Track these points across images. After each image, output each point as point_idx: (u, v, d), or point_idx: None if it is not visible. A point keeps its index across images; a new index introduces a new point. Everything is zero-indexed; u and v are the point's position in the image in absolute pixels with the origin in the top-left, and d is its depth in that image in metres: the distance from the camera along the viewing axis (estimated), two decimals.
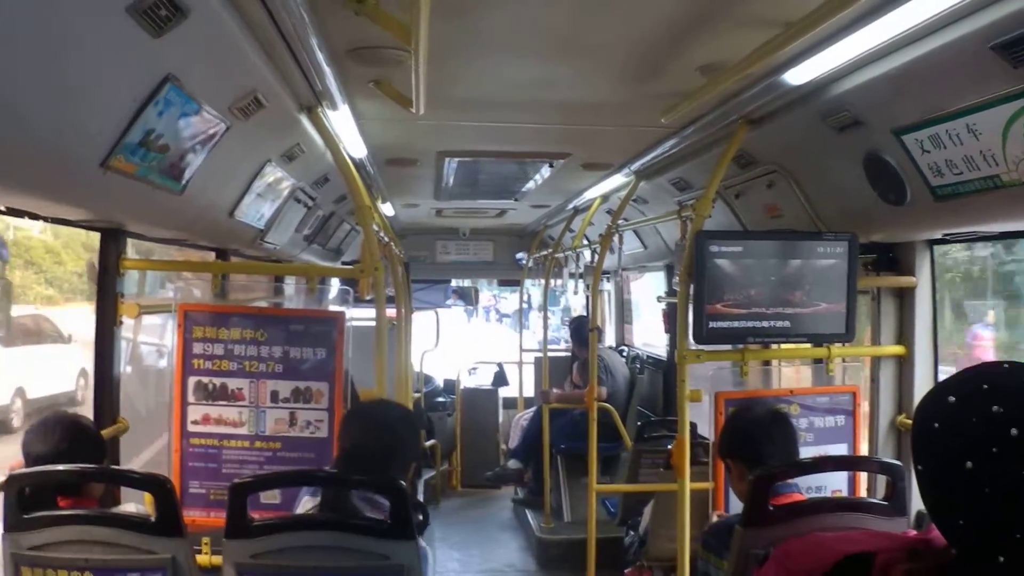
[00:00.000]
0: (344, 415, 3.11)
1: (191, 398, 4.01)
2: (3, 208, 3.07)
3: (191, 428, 4.01)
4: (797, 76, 3.27)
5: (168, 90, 2.80)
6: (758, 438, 3.32)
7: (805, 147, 4.01)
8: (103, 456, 3.19)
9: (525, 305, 11.83)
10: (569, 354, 9.64)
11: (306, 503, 3.01)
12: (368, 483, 2.78)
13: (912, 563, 1.56)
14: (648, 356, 9.18)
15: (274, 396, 4.01)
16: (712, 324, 3.99)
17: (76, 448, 2.99)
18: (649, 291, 9.63)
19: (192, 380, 4.01)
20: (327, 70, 3.39)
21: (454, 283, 13.31)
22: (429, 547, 2.89)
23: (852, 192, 3.86)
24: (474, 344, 20.84)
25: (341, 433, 3.11)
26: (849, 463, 4.05)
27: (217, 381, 4.01)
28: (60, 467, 2.80)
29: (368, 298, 4.18)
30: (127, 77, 2.63)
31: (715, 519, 3.88)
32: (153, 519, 2.66)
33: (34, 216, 3.34)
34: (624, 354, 9.48)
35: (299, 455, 3.95)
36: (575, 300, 12.51)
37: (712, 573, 3.33)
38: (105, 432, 3.76)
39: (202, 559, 4.03)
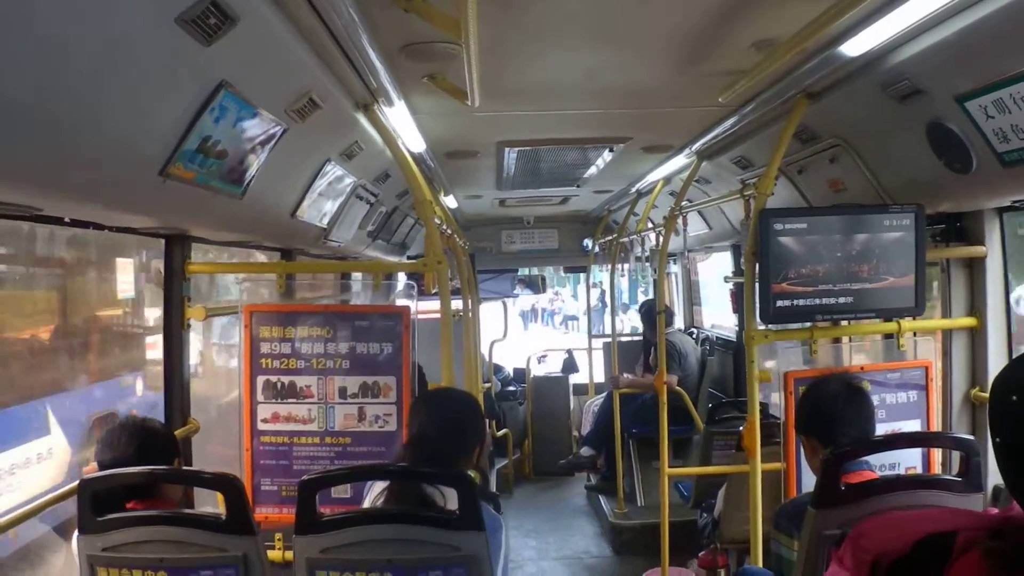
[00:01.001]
0: (411, 404, 3.15)
1: (260, 397, 4.07)
2: (68, 220, 3.14)
3: (261, 427, 4.07)
4: (854, 47, 3.21)
5: (223, 96, 2.84)
6: (832, 414, 3.25)
7: (867, 119, 3.94)
8: (176, 457, 3.24)
9: (597, 302, 11.79)
10: (640, 338, 9.58)
11: (375, 492, 3.04)
12: (436, 476, 2.80)
13: (995, 541, 1.52)
14: (718, 337, 9.11)
15: (342, 392, 4.06)
16: (779, 303, 3.94)
17: (145, 452, 3.02)
18: (719, 272, 9.56)
19: (261, 379, 4.07)
20: (380, 68, 3.41)
21: (521, 272, 13.33)
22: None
23: (917, 162, 3.79)
24: (540, 334, 20.88)
25: (409, 421, 3.16)
26: (921, 439, 3.97)
27: (285, 379, 4.06)
28: (130, 469, 2.84)
29: (434, 291, 4.20)
30: (181, 86, 2.67)
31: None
32: (224, 518, 2.70)
33: (99, 226, 3.41)
34: (694, 336, 9.42)
35: (368, 449, 3.99)
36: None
37: (784, 555, 3.28)
38: (176, 433, 3.84)
39: (274, 555, 4.09)
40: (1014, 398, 1.41)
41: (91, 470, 3.04)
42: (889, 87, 3.48)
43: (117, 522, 2.68)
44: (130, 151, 2.65)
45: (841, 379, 3.45)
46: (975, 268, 4.25)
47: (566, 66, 3.87)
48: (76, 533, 2.71)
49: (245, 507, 2.70)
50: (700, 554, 5.43)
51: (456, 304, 6.59)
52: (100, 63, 2.22)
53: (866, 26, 2.97)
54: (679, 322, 10.14)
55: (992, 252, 4.15)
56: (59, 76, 2.11)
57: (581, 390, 10.98)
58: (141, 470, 2.87)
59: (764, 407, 5.12)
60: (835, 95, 3.91)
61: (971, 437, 3.19)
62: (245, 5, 2.51)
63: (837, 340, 4.42)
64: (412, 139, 4.87)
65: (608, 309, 11.29)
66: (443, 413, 3.07)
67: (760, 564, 4.00)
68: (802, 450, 3.52)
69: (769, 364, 4.33)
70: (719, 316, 9.87)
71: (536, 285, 14.00)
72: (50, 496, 3.18)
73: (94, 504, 2.65)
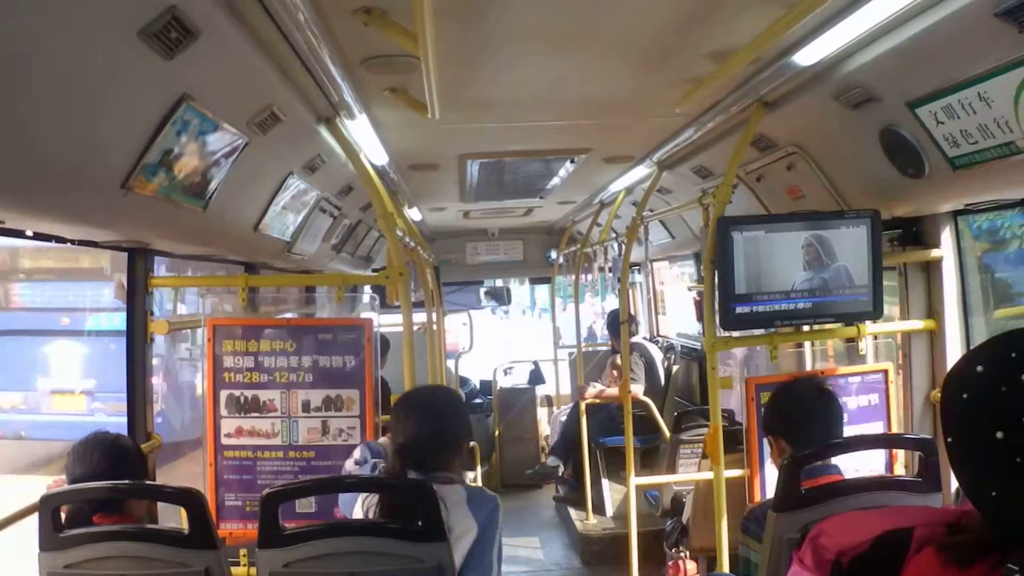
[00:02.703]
0: (392, 412, 3.13)
1: (223, 411, 4.06)
2: (30, 233, 3.13)
3: (225, 441, 4.06)
4: (807, 56, 3.27)
5: (185, 109, 2.85)
6: (800, 416, 3.29)
7: (822, 126, 4.00)
8: (145, 475, 3.22)
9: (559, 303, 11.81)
10: (608, 348, 9.61)
11: (366, 501, 3.02)
12: (397, 486, 2.80)
13: (952, 536, 1.55)
14: (682, 346, 9.16)
15: (306, 406, 4.06)
16: (738, 309, 3.98)
17: (116, 468, 3.01)
18: (684, 280, 9.62)
19: (224, 393, 4.06)
20: (341, 81, 3.42)
21: (486, 283, 13.34)
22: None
23: (872, 168, 3.85)
24: (509, 342, 20.84)
25: (393, 430, 3.10)
26: (879, 441, 4.02)
27: (248, 393, 4.05)
28: (91, 484, 2.83)
29: (396, 304, 4.21)
30: (142, 99, 2.68)
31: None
32: (187, 532, 2.69)
33: (61, 239, 3.39)
34: (659, 344, 9.47)
35: (332, 463, 3.98)
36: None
37: (753, 559, 3.29)
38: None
39: (239, 571, 4.07)
40: (964, 396, 1.43)
41: (57, 485, 3.02)
42: (842, 95, 3.54)
43: (78, 538, 2.67)
44: (92, 164, 2.66)
45: (810, 382, 3.49)
46: (932, 271, 4.31)
47: (526, 78, 3.90)
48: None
49: (208, 521, 2.69)
50: (668, 563, 5.45)
51: (421, 317, 6.60)
52: (62, 76, 2.23)
53: (818, 35, 3.02)
54: (643, 331, 10.19)
55: (947, 255, 4.22)
56: (20, 88, 2.11)
57: (548, 401, 10.99)
58: (102, 485, 2.85)
59: (731, 414, 5.17)
60: (790, 103, 3.96)
61: (928, 437, 3.24)
62: (207, 19, 2.52)
63: (799, 345, 4.46)
64: (374, 152, 4.88)
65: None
66: (426, 414, 3.05)
67: (727, 570, 4.02)
68: (768, 453, 3.55)
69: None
70: (685, 324, 9.93)
71: (501, 297, 14.00)
72: (12, 513, 3.14)
73: (55, 520, 2.64)
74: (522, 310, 38.94)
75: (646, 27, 3.19)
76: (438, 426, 3.03)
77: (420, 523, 2.64)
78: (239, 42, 2.84)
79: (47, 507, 2.64)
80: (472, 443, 9.66)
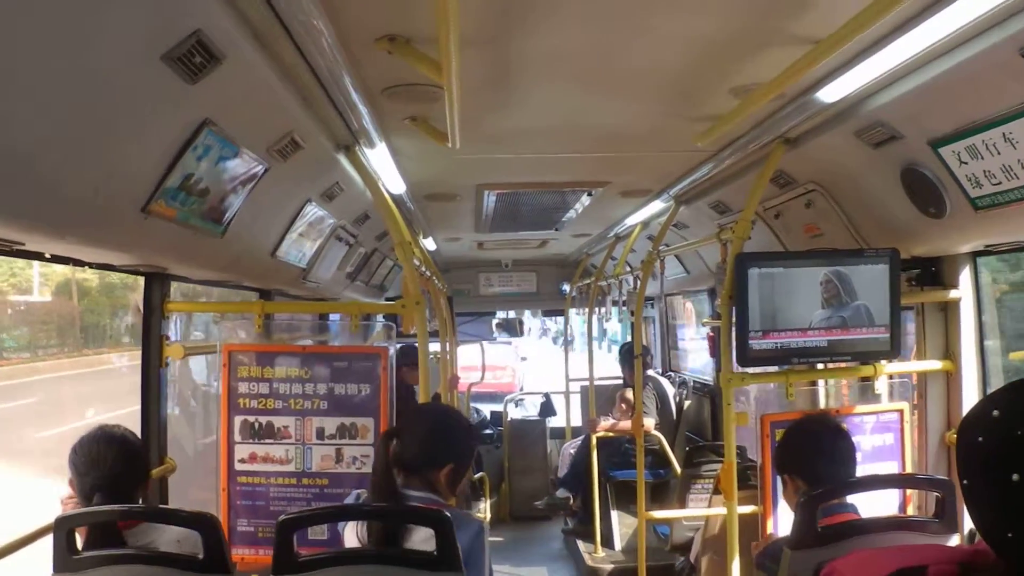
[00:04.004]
0: (386, 432, 3.12)
1: (238, 437, 4.06)
2: (48, 256, 3.13)
3: (238, 467, 4.05)
4: (830, 94, 3.27)
5: (206, 134, 2.86)
6: (814, 454, 3.27)
7: (842, 164, 3.99)
8: (148, 465, 3.19)
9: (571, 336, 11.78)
10: (620, 381, 9.58)
11: (351, 529, 3.00)
12: (413, 516, 2.78)
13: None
14: (695, 381, 9.13)
15: (320, 433, 4.05)
16: (755, 346, 3.96)
17: (131, 469, 3.00)
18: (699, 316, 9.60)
19: (238, 419, 4.06)
20: (362, 109, 3.44)
21: (499, 315, 13.34)
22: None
23: (892, 207, 3.84)
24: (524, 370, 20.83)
25: (395, 449, 3.05)
26: (896, 481, 3.99)
27: (263, 420, 4.05)
28: (106, 508, 2.81)
29: (411, 333, 4.20)
30: (164, 123, 2.69)
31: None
32: (200, 556, 2.67)
33: (78, 263, 3.39)
34: (672, 379, 9.44)
35: (345, 490, 3.95)
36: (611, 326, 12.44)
37: None
38: (154, 472, 3.81)
39: None
40: (980, 439, 1.43)
41: (68, 496, 3.00)
42: (864, 133, 3.53)
43: (93, 560, 2.64)
44: (112, 187, 2.66)
45: (823, 419, 3.47)
46: (950, 312, 4.29)
47: (546, 110, 3.90)
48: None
49: (222, 546, 2.67)
50: None
51: (434, 347, 6.60)
52: (85, 99, 2.24)
53: (842, 73, 3.03)
54: (657, 365, 10.16)
55: (966, 296, 4.19)
56: (44, 111, 2.12)
57: (558, 433, 10.95)
58: (120, 508, 2.83)
59: (743, 450, 5.14)
60: (812, 141, 3.96)
61: (946, 478, 3.21)
62: (231, 44, 2.53)
63: (814, 383, 4.43)
64: (392, 181, 4.89)
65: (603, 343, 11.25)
66: (422, 423, 3.05)
67: None
68: (780, 491, 3.53)
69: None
70: (699, 361, 9.89)
71: (514, 328, 13.99)
72: (25, 535, 3.12)
73: (69, 542, 2.62)
74: (539, 335, 39.07)
75: (667, 62, 3.19)
76: (432, 434, 3.00)
77: (436, 552, 2.62)
78: (262, 68, 2.85)
79: (61, 529, 2.63)
80: (481, 473, 9.64)
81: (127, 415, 4.16)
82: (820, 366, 4.21)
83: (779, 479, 3.62)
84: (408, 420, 3.10)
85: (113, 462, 2.96)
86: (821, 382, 4.60)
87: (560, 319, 11.96)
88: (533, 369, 23.20)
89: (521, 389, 10.86)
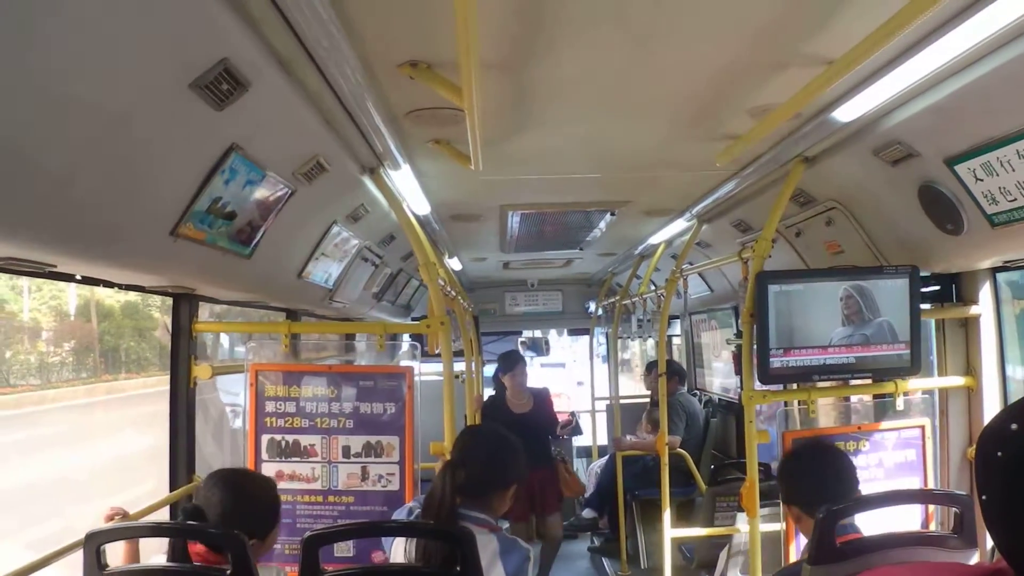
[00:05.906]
0: (458, 435, 3.17)
1: (264, 455, 4.11)
2: (80, 277, 3.20)
3: None
4: (846, 113, 3.31)
5: (233, 159, 2.92)
6: (805, 479, 3.24)
7: (861, 182, 4.01)
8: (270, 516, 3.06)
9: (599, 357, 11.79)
10: (647, 399, 9.57)
11: (400, 544, 3.03)
12: (435, 532, 2.81)
13: None
14: (720, 399, 9.11)
15: (346, 451, 4.10)
16: (776, 364, 3.98)
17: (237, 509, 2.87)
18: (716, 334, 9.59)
19: (265, 438, 4.12)
20: (386, 132, 3.50)
21: (525, 334, 13.36)
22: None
23: (910, 224, 3.85)
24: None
25: (452, 449, 3.18)
26: (912, 496, 3.98)
27: (290, 438, 4.10)
28: (132, 524, 2.85)
29: (436, 352, 4.25)
30: (193, 148, 2.75)
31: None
32: (229, 574, 2.71)
33: (108, 284, 3.47)
34: (697, 397, 9.42)
35: (371, 508, 4.02)
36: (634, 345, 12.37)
37: None
38: (182, 491, 3.86)
39: None
40: (999, 454, 1.40)
41: (114, 511, 3.04)
42: (882, 151, 3.56)
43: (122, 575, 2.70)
44: (142, 211, 2.73)
45: (809, 443, 3.45)
46: (970, 328, 4.29)
47: (567, 132, 3.95)
48: None
49: (249, 564, 2.71)
50: None
51: (459, 366, 6.63)
52: (117, 125, 2.31)
53: (857, 92, 3.06)
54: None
55: (986, 312, 4.20)
56: (76, 137, 2.19)
57: (584, 452, 10.93)
58: (150, 524, 2.88)
59: (768, 468, 5.14)
60: (830, 159, 3.99)
61: (964, 493, 3.21)
62: (256, 71, 2.59)
63: (847, 399, 4.43)
64: (417, 202, 4.95)
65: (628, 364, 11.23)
66: (481, 449, 3.09)
67: None
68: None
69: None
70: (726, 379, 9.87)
71: (540, 348, 14.01)
72: (57, 549, 3.18)
73: (99, 558, 2.67)
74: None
75: (686, 83, 3.23)
76: (492, 459, 3.06)
77: (459, 569, 2.65)
78: (287, 93, 2.91)
79: (92, 544, 2.68)
80: None
81: None
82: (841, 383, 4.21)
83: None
84: (467, 448, 3.10)
85: (222, 501, 2.87)
86: (854, 398, 4.59)
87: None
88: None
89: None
